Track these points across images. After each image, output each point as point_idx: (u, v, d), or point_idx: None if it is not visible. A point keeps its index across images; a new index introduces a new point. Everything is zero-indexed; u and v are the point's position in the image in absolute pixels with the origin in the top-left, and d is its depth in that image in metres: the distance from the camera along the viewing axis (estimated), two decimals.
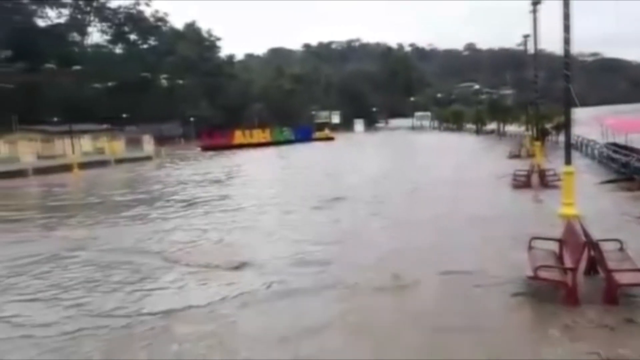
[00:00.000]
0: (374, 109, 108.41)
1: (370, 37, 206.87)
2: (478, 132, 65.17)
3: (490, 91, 79.76)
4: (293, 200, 17.04)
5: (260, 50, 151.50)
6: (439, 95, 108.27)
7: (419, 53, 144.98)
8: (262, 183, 23.44)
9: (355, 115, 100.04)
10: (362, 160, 35.38)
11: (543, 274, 6.76)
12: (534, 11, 25.60)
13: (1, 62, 71.34)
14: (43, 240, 13.08)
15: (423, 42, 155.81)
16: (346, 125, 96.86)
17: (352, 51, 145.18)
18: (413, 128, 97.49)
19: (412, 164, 29.42)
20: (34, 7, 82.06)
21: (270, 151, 51.08)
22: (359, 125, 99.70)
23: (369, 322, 6.57)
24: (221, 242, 11.49)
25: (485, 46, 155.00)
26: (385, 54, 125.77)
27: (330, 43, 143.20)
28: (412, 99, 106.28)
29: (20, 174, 34.28)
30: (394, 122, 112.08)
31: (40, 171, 35.67)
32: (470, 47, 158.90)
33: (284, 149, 53.24)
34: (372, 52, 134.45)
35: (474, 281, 7.69)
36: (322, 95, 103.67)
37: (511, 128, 53.31)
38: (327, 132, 71.41)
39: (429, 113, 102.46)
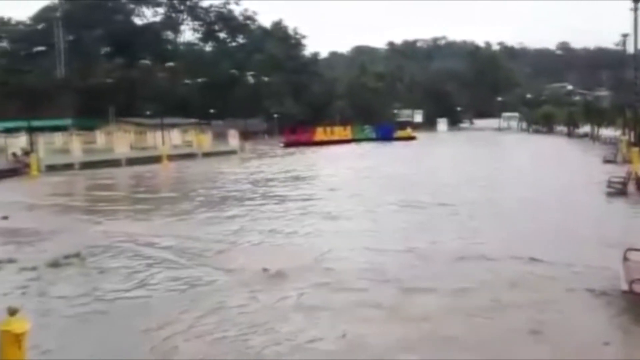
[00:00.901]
0: (459, 109, 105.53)
1: (456, 35, 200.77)
2: (570, 134, 61.91)
3: (584, 92, 75.74)
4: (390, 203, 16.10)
5: (344, 48, 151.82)
6: (528, 95, 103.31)
7: (508, 52, 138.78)
8: (346, 183, 22.64)
9: (439, 114, 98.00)
10: (449, 161, 34.29)
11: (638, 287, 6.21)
12: (635, 9, 23.83)
13: (102, 58, 76.64)
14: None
15: (512, 41, 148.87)
16: (429, 124, 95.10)
17: (438, 49, 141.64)
18: (499, 129, 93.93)
19: (502, 168, 27.99)
20: (132, 6, 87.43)
21: (351, 149, 50.91)
22: (442, 124, 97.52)
23: None
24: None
25: (579, 45, 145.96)
26: (472, 53, 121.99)
27: (415, 41, 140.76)
28: (499, 99, 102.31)
29: (114, 163, 36.52)
30: (479, 122, 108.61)
31: (132, 161, 37.79)
32: (564, 46, 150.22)
33: (366, 147, 52.78)
34: (459, 50, 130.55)
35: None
36: (405, 93, 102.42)
37: (606, 132, 50.12)
38: (409, 131, 69.70)
39: (516, 114, 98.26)
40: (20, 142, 38.73)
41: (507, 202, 16.18)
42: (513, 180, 21.79)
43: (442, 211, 14.60)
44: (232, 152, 49.02)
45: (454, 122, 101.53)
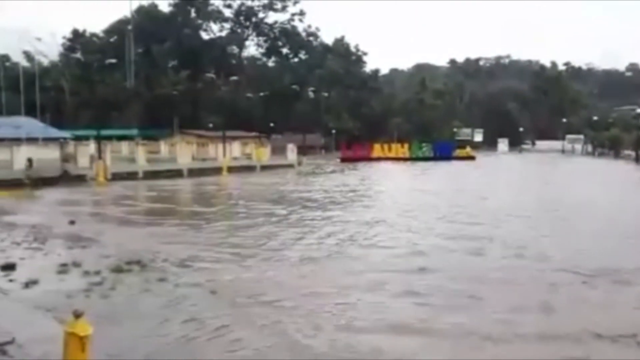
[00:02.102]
0: (520, 129, 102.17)
1: (521, 54, 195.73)
2: (638, 159, 58.90)
3: None
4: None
5: (405, 65, 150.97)
6: (594, 118, 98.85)
7: (575, 72, 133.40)
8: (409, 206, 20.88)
9: (500, 134, 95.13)
10: (514, 185, 32.53)
11: None
12: None
13: (169, 70, 79.62)
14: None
15: (580, 61, 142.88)
16: (489, 144, 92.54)
17: (501, 68, 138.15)
18: (563, 151, 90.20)
19: (567, 194, 26.36)
20: (200, 21, 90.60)
21: (409, 167, 49.78)
22: (502, 144, 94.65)
23: None
24: None
25: None
26: (537, 72, 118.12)
27: (477, 59, 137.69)
28: (564, 120, 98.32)
29: (177, 173, 37.64)
30: (541, 143, 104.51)
31: (193, 172, 38.84)
32: (634, 68, 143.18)
33: (424, 166, 50.62)
34: (523, 69, 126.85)
35: None
36: (465, 112, 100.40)
37: None
38: (468, 150, 67.38)
39: (581, 136, 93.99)
40: (89, 149, 40.59)
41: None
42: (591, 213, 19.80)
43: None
44: (290, 166, 49.52)
45: (515, 143, 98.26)
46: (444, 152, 62.55)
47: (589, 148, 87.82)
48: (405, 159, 59.43)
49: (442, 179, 37.58)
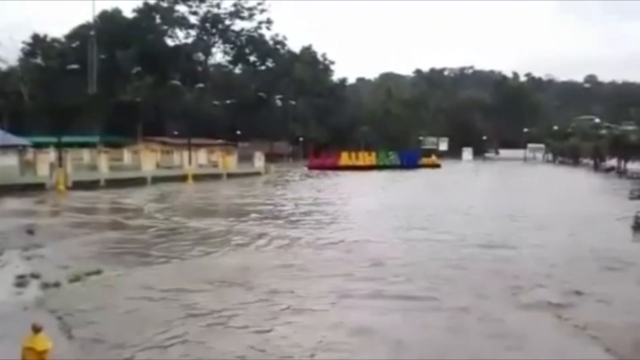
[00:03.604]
0: (484, 138, 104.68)
1: (484, 64, 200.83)
2: (596, 168, 60.95)
3: (612, 126, 74.56)
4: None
5: (371, 74, 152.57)
6: (555, 127, 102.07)
7: (535, 83, 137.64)
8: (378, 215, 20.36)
9: (464, 143, 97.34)
10: (479, 192, 32.55)
11: None
12: None
13: (133, 76, 78.25)
14: None
15: (540, 72, 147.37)
16: (453, 153, 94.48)
17: (465, 78, 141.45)
18: (525, 160, 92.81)
19: (532, 201, 27.18)
20: (165, 27, 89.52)
21: (378, 176, 49.58)
22: (467, 153, 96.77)
23: None
24: None
25: (607, 79, 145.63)
26: (499, 83, 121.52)
27: (442, 69, 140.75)
28: (525, 129, 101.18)
29: (140, 181, 36.82)
30: (505, 152, 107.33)
31: (158, 179, 38.11)
32: (591, 79, 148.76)
33: (392, 174, 50.99)
34: (486, 79, 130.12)
35: None
36: (430, 121, 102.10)
37: (634, 166, 49.33)
38: (433, 159, 69.16)
39: (542, 145, 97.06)
40: (49, 157, 39.37)
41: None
42: (543, 214, 21.12)
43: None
44: (257, 174, 49.26)
45: (479, 152, 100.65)
46: (410, 160, 63.72)
47: (550, 157, 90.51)
48: (372, 167, 59.92)
49: (406, 190, 35.89)
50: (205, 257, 12.51)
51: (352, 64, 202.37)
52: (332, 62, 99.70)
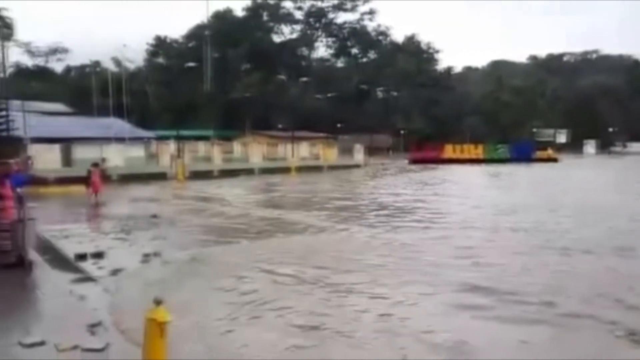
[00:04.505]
0: (611, 130, 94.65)
1: (611, 48, 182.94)
2: None
3: None
4: None
5: (481, 62, 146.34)
6: None
7: None
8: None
9: (586, 135, 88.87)
10: (612, 193, 25.28)
11: None
12: None
13: (242, 73, 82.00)
14: None
15: None
16: (573, 146, 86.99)
17: (587, 64, 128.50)
18: None
19: None
20: (271, 24, 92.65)
21: (485, 169, 45.52)
22: (589, 146, 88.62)
23: None
24: None
25: None
26: (630, 68, 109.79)
27: (561, 55, 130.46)
28: None
29: (249, 172, 38.98)
30: (635, 145, 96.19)
31: (264, 171, 40.05)
32: None
33: (500, 168, 46.04)
34: (614, 65, 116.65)
35: None
36: (546, 111, 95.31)
37: None
38: (550, 152, 62.46)
39: None
40: (170, 149, 42.81)
41: None
42: None
43: None
44: (356, 166, 49.72)
45: (604, 145, 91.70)
46: (522, 153, 58.22)
47: None
48: (479, 161, 56.78)
49: (522, 188, 30.76)
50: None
51: (459, 52, 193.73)
52: (438, 51, 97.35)
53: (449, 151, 60.17)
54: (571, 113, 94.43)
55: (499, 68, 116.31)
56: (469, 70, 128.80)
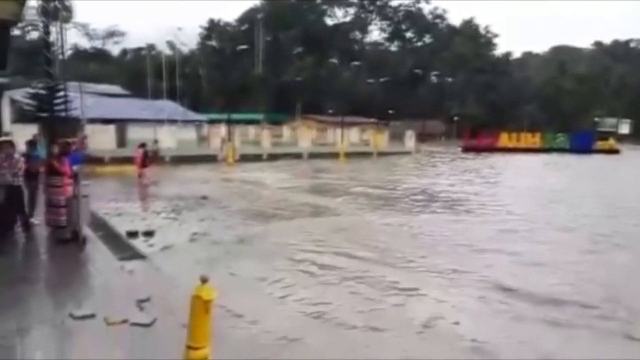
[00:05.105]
0: None
1: None
2: None
3: None
4: None
5: (541, 48, 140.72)
6: None
7: None
8: None
9: None
10: None
11: None
12: None
13: (294, 57, 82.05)
14: None
15: None
16: (637, 137, 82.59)
17: None
18: None
19: None
20: (325, 7, 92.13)
21: (542, 160, 43.50)
22: None
23: None
24: None
25: None
26: None
27: (628, 41, 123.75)
28: None
29: (297, 156, 39.07)
30: None
31: (313, 155, 40.03)
32: None
33: (559, 158, 44.51)
34: None
35: None
36: (611, 99, 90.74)
37: None
38: (611, 142, 59.21)
39: None
40: (220, 132, 43.50)
41: None
42: None
43: None
44: (407, 153, 48.99)
45: None
46: (581, 143, 56.08)
47: None
48: (535, 150, 55.09)
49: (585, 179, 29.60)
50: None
51: (519, 37, 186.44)
52: (496, 35, 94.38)
53: (504, 139, 58.57)
54: (637, 102, 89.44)
55: (560, 54, 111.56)
56: (528, 55, 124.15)
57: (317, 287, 7.90)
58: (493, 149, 54.39)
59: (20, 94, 29.73)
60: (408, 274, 8.68)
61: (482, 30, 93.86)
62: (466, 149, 55.23)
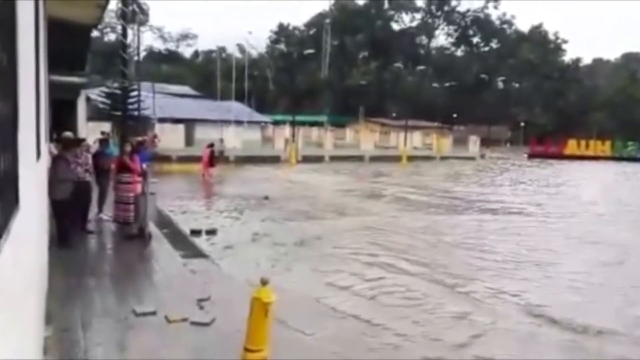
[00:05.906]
0: None
1: None
2: None
3: None
4: None
5: (612, 55, 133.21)
6: None
7: None
8: None
9: None
10: None
11: None
12: None
13: (359, 61, 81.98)
14: None
15: None
16: None
17: None
18: None
19: None
20: (392, 12, 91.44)
21: (612, 169, 42.15)
22: None
23: None
24: None
25: None
26: None
27: None
28: None
29: (358, 159, 38.94)
30: None
31: (374, 158, 39.79)
32: None
33: (629, 168, 42.70)
34: None
35: None
36: None
37: None
38: None
39: None
40: (284, 133, 44.03)
41: None
42: None
43: None
44: (471, 159, 47.72)
45: None
46: None
47: None
48: (605, 159, 52.83)
49: None
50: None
51: (588, 43, 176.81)
52: (565, 41, 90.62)
53: (572, 147, 56.39)
54: None
55: (632, 61, 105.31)
56: (599, 62, 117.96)
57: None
58: (560, 156, 52.67)
59: (96, 93, 31.12)
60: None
61: (551, 36, 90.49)
62: (532, 156, 53.85)
